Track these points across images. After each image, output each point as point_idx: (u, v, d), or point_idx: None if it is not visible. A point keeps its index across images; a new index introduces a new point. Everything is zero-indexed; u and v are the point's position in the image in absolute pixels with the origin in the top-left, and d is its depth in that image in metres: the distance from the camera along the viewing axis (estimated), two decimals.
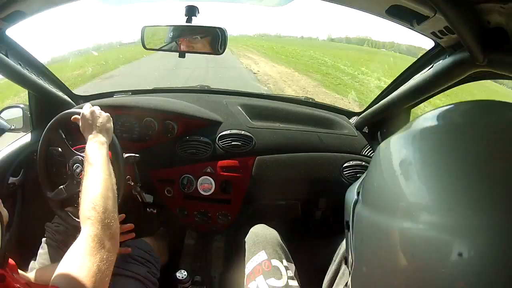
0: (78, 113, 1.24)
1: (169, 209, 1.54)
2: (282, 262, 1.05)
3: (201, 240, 1.70)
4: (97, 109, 1.14)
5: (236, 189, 1.47)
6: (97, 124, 1.09)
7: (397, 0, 0.83)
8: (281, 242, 1.14)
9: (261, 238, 1.14)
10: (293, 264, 1.09)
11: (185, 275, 1.34)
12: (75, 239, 1.22)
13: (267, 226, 1.22)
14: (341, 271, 0.98)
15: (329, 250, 1.21)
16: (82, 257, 0.71)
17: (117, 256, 1.17)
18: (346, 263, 0.89)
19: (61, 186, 1.26)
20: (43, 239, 1.24)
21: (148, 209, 1.68)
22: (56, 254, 1.21)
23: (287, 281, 1.00)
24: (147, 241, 1.31)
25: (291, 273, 1.03)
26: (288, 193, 1.60)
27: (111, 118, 1.17)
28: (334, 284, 0.99)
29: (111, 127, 1.15)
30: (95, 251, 0.73)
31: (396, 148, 0.54)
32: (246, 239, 1.19)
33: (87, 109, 1.12)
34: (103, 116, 1.13)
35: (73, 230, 1.25)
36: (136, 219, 1.71)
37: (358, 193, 0.65)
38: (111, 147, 1.18)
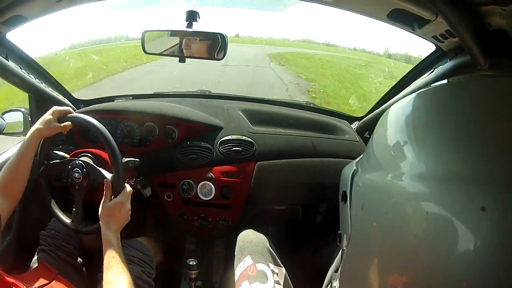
0: (78, 117, 1.22)
1: (169, 213, 1.53)
2: (268, 266, 1.05)
3: (201, 245, 1.68)
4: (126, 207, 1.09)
5: (237, 194, 1.45)
6: (121, 222, 1.06)
7: (398, 4, 0.83)
8: (269, 246, 1.13)
9: (247, 243, 1.14)
10: (283, 269, 1.08)
11: (195, 262, 1.33)
12: (66, 242, 1.21)
13: (254, 231, 1.21)
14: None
15: (328, 254, 1.20)
16: None
17: None
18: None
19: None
20: (38, 247, 1.24)
21: (148, 212, 1.67)
22: (49, 257, 1.20)
23: (274, 285, 0.99)
24: (141, 241, 1.30)
25: (278, 276, 1.02)
26: (289, 198, 1.59)
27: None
28: None
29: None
30: None
31: (402, 112, 0.60)
32: (234, 246, 1.18)
33: (128, 190, 1.10)
34: (126, 212, 1.08)
35: (64, 234, 1.26)
36: (134, 219, 1.70)
37: (357, 165, 0.67)
38: (109, 151, 1.17)
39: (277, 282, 1.01)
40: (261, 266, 1.04)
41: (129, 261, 1.17)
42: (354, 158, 1.51)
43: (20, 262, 1.31)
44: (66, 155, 1.32)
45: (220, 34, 1.13)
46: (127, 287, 0.90)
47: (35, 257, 1.21)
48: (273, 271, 1.03)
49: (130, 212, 1.09)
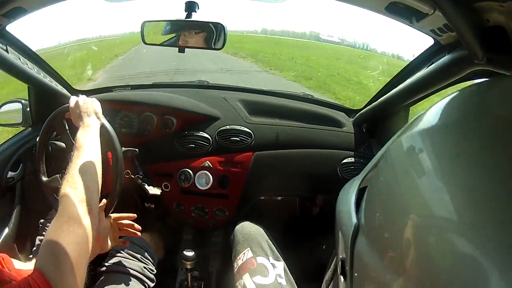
0: None
1: (167, 204, 1.55)
2: (268, 260, 1.06)
3: (199, 236, 1.70)
4: (81, 99, 1.11)
5: (234, 184, 1.47)
6: (84, 111, 1.07)
7: None
8: (268, 239, 1.14)
9: (246, 235, 1.15)
10: (281, 262, 1.09)
11: (192, 253, 1.34)
12: None
13: (252, 223, 1.22)
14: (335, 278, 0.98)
15: (327, 246, 1.21)
16: (57, 235, 0.69)
17: (113, 253, 1.18)
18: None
19: (57, 175, 1.26)
20: (38, 238, 1.24)
21: (146, 204, 1.69)
22: None
23: (276, 278, 1.00)
24: (143, 237, 1.31)
25: (278, 270, 1.04)
26: (286, 189, 1.60)
27: (98, 101, 1.13)
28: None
29: (99, 110, 1.11)
30: (70, 228, 0.71)
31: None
32: (232, 237, 1.19)
33: (73, 102, 1.11)
34: (88, 102, 1.10)
35: None
36: (133, 212, 1.71)
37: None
38: (109, 142, 1.17)
39: (279, 275, 1.02)
40: (261, 260, 1.05)
41: (132, 258, 1.19)
42: (351, 150, 1.53)
43: (18, 252, 1.33)
44: (64, 145, 1.33)
45: (219, 23, 1.12)
46: (81, 200, 0.77)
47: (36, 248, 1.22)
48: (273, 265, 1.05)
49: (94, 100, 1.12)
